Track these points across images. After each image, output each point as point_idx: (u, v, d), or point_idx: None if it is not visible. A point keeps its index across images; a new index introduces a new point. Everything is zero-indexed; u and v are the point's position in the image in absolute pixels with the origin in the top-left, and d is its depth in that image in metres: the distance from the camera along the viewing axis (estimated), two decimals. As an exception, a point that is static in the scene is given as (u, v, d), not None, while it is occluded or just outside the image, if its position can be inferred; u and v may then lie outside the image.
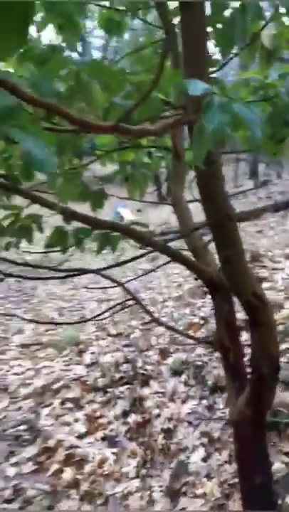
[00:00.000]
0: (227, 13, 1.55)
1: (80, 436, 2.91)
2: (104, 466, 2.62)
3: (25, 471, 2.64)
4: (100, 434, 2.93)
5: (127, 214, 12.34)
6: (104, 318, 4.18)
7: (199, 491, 2.30)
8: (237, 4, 1.50)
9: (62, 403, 3.27)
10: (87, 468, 2.61)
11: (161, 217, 12.01)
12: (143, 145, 2.17)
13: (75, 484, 2.49)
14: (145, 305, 2.42)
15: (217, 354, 3.23)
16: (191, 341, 3.62)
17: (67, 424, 3.04)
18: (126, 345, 4.10)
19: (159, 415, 2.98)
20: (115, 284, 2.13)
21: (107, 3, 2.03)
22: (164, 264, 2.35)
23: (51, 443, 2.83)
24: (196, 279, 4.64)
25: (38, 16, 1.52)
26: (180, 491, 2.35)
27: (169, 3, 1.75)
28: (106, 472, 2.57)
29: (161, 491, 2.39)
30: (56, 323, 4.93)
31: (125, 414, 3.08)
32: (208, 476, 2.39)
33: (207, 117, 0.87)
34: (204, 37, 1.28)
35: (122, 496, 2.39)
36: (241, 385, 1.74)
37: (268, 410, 1.75)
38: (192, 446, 2.66)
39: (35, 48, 1.43)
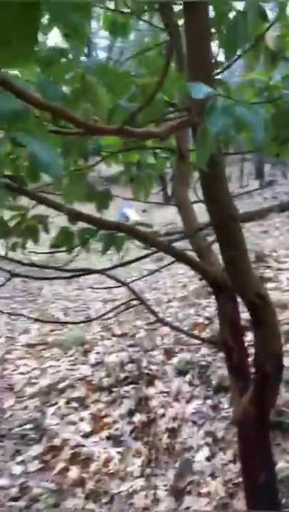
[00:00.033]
0: (231, 14, 1.57)
1: (86, 436, 2.93)
2: (109, 465, 2.64)
3: (31, 470, 2.67)
4: (105, 433, 2.95)
5: (133, 214, 12.36)
6: (108, 318, 4.20)
7: (204, 490, 2.31)
8: (240, 7, 1.52)
9: (68, 402, 3.29)
10: (93, 466, 2.63)
11: (166, 217, 12.01)
12: (148, 146, 2.18)
13: (80, 483, 2.51)
14: (150, 305, 2.44)
15: (221, 354, 3.24)
16: (195, 341, 3.63)
17: (73, 423, 3.06)
18: (131, 345, 4.11)
19: (163, 415, 3.00)
20: (120, 284, 2.15)
21: (112, 6, 2.05)
22: (169, 264, 2.37)
23: (57, 442, 2.85)
24: (200, 279, 4.64)
25: (44, 19, 1.54)
26: (184, 490, 2.37)
27: (174, 5, 1.76)
28: (111, 471, 2.59)
29: (165, 489, 2.41)
30: (62, 323, 4.96)
31: (130, 413, 3.10)
32: (213, 475, 2.40)
33: (210, 120, 0.88)
34: (208, 39, 1.29)
35: (127, 495, 2.41)
36: (245, 385, 1.75)
37: (271, 409, 1.76)
38: (197, 445, 2.67)
39: (41, 51, 1.45)
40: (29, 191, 1.62)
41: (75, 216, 1.74)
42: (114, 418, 3.08)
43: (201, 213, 1.88)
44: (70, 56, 1.47)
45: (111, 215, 3.20)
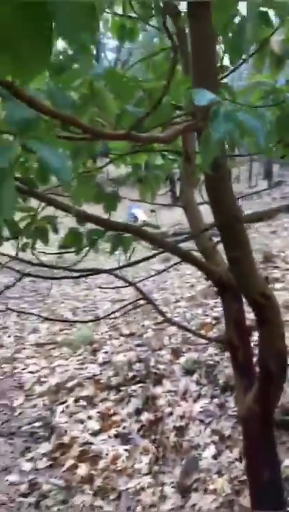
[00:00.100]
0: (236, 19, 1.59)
1: (94, 434, 2.97)
2: (117, 462, 2.68)
3: (40, 467, 2.72)
4: (113, 431, 2.98)
5: (141, 215, 12.38)
6: (116, 317, 4.23)
7: (210, 487, 2.34)
8: (245, 12, 1.54)
9: (77, 401, 3.33)
10: (101, 464, 2.67)
11: (174, 218, 12.01)
12: (155, 148, 2.21)
13: (89, 480, 2.55)
14: (158, 305, 2.47)
15: (228, 353, 3.27)
16: (203, 341, 3.65)
17: (82, 421, 3.10)
18: (139, 345, 4.14)
19: (171, 413, 3.03)
20: (128, 284, 2.18)
21: (119, 11, 2.08)
22: (175, 264, 2.40)
23: (66, 439, 2.89)
24: (206, 279, 4.67)
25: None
26: (191, 487, 2.40)
27: (180, 8, 1.79)
28: (119, 468, 2.63)
29: (172, 487, 2.44)
30: (70, 322, 5.00)
31: (138, 412, 3.13)
32: (219, 473, 2.43)
33: (213, 126, 0.91)
34: (213, 42, 1.31)
35: (135, 492, 2.45)
36: (250, 383, 1.78)
37: (275, 408, 1.78)
38: (203, 443, 2.70)
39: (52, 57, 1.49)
40: (39, 193, 1.66)
41: (83, 217, 1.77)
42: (122, 416, 3.12)
43: (207, 214, 1.91)
44: (80, 62, 1.51)
45: (119, 216, 3.24)
